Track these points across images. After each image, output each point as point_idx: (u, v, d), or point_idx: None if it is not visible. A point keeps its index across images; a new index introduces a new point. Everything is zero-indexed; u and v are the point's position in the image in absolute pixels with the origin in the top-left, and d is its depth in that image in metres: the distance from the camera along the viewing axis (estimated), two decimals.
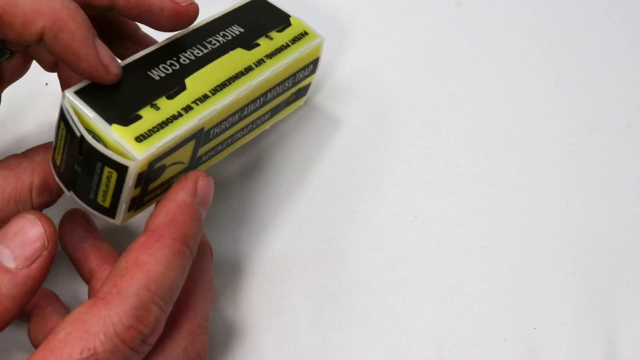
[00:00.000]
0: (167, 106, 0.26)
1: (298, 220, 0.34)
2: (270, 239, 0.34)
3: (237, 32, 0.30)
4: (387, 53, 0.40)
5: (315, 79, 0.34)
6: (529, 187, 0.36)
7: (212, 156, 0.30)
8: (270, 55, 0.29)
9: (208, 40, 0.29)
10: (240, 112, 0.29)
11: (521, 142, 0.37)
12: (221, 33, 0.29)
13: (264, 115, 0.31)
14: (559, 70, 0.40)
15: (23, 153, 0.27)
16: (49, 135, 0.27)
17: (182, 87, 0.27)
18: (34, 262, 0.23)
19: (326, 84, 0.39)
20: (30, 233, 0.23)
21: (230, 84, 0.28)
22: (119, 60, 0.27)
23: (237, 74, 0.28)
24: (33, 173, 0.26)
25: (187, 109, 0.26)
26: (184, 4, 0.27)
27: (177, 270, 0.23)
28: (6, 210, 0.25)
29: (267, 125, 0.33)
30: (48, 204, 0.27)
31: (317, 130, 0.37)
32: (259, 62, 0.29)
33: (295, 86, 0.32)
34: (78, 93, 0.25)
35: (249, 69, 0.28)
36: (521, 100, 0.39)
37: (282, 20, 0.31)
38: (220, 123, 0.28)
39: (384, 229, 0.34)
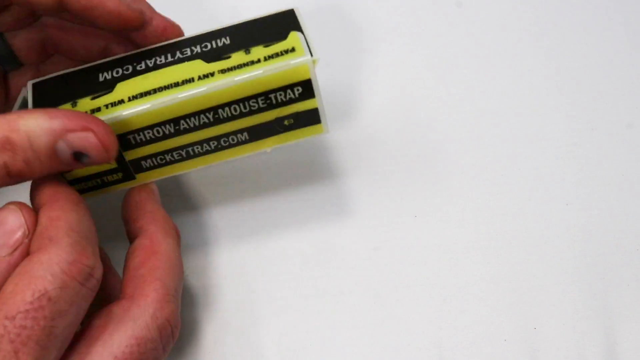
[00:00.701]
0: (83, 106, 0.27)
1: (298, 220, 0.34)
2: (271, 239, 0.34)
3: (220, 44, 0.29)
4: (387, 53, 0.40)
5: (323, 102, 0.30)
6: (529, 187, 0.36)
7: (161, 165, 0.29)
8: (225, 71, 0.27)
9: (184, 49, 0.29)
10: (174, 123, 0.28)
11: (521, 142, 0.37)
12: (204, 43, 0.29)
13: (233, 133, 0.29)
14: (559, 70, 0.40)
15: None
16: None
17: (110, 90, 0.28)
18: (16, 249, 0.24)
19: (321, 83, 0.39)
20: (12, 222, 0.24)
21: (154, 93, 0.27)
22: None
23: (169, 84, 0.27)
24: None
25: (96, 110, 0.27)
26: (130, 8, 0.28)
27: (84, 213, 0.25)
28: None
29: (259, 147, 0.30)
30: (12, 168, 0.25)
31: None
32: (206, 76, 0.27)
33: (274, 109, 0.29)
34: (37, 84, 0.29)
35: (187, 81, 0.27)
36: (521, 100, 0.39)
37: (282, 34, 0.29)
38: (140, 130, 0.28)
39: (384, 229, 0.34)
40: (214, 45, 0.29)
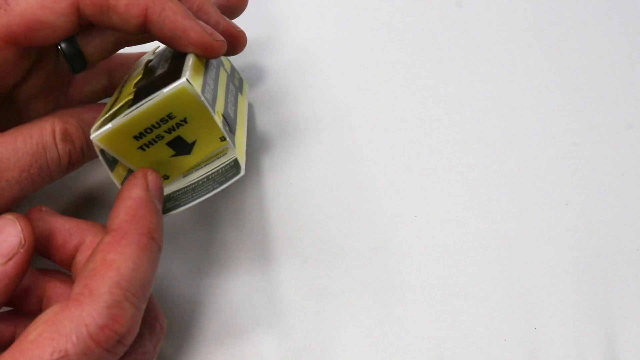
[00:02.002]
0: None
1: (298, 220, 0.34)
2: (271, 239, 0.34)
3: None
4: (388, 53, 0.40)
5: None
6: (529, 187, 0.36)
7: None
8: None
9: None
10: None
11: (521, 142, 0.37)
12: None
13: None
14: (558, 70, 0.40)
15: None
16: None
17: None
18: (10, 259, 0.23)
19: (320, 84, 0.39)
20: (8, 232, 0.24)
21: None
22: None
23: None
24: (54, 122, 0.27)
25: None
26: (215, 39, 0.28)
27: (147, 265, 0.23)
28: (37, 156, 0.26)
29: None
30: (73, 156, 0.27)
31: (316, 131, 0.37)
32: None
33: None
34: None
35: None
36: (521, 100, 0.39)
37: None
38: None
39: (384, 229, 0.34)
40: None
